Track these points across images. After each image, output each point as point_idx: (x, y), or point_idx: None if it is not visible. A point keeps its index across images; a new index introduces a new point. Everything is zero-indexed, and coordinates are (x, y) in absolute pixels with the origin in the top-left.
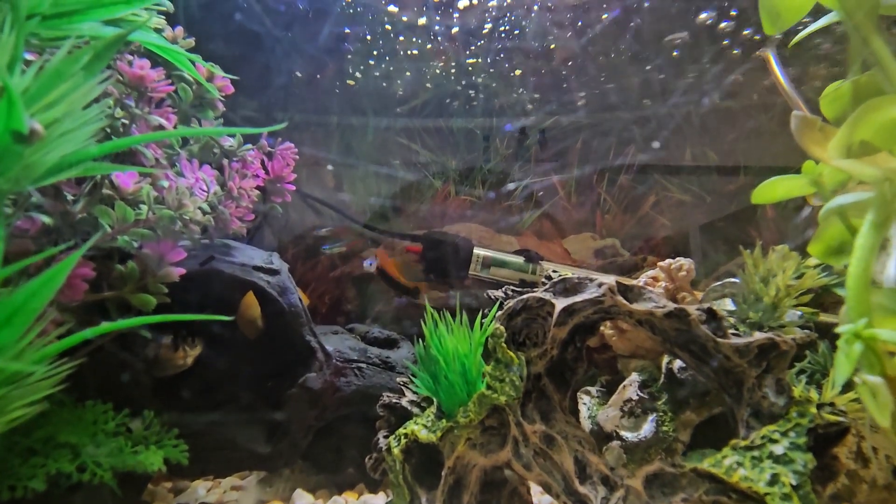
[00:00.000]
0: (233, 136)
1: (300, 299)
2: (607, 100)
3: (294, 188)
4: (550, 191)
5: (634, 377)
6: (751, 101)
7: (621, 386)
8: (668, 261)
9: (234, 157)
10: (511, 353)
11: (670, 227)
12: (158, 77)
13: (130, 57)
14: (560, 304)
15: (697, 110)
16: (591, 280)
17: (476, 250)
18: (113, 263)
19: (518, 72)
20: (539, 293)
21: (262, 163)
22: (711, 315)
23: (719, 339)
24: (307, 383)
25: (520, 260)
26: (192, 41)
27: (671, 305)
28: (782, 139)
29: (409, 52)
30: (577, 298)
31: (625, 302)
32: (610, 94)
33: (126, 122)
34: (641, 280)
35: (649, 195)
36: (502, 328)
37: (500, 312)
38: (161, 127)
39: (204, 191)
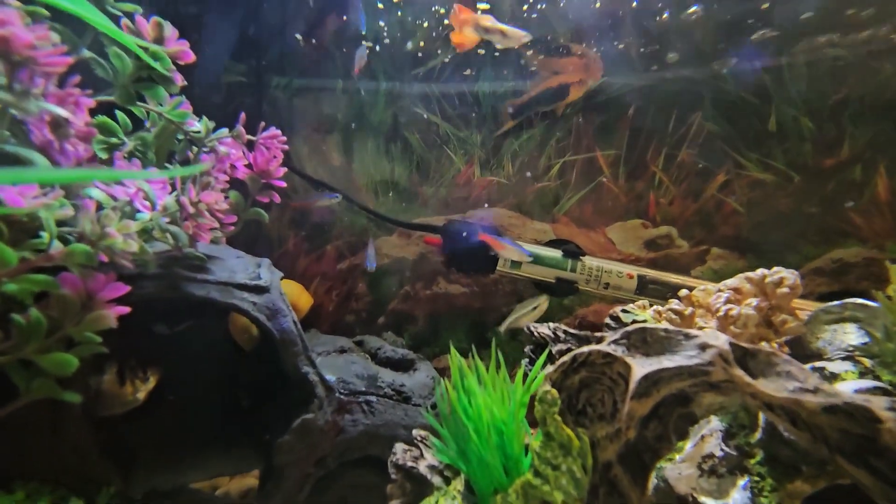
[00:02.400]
0: (199, 118)
1: (294, 322)
2: (667, 56)
3: (284, 184)
4: (593, 169)
5: (715, 424)
6: (870, 45)
7: (698, 435)
8: (760, 271)
9: (203, 147)
10: (569, 431)
11: (744, 212)
12: (42, 41)
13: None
14: (640, 368)
15: (789, 63)
16: (687, 335)
17: None
18: (11, 312)
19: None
20: (605, 346)
21: (243, 152)
22: None
23: None
24: (304, 427)
25: (557, 254)
26: None
27: (835, 394)
28: None
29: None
30: (667, 364)
31: (747, 379)
32: (671, 49)
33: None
34: (723, 298)
35: (717, 174)
36: (555, 392)
37: (550, 368)
38: (61, 121)
39: (148, 205)
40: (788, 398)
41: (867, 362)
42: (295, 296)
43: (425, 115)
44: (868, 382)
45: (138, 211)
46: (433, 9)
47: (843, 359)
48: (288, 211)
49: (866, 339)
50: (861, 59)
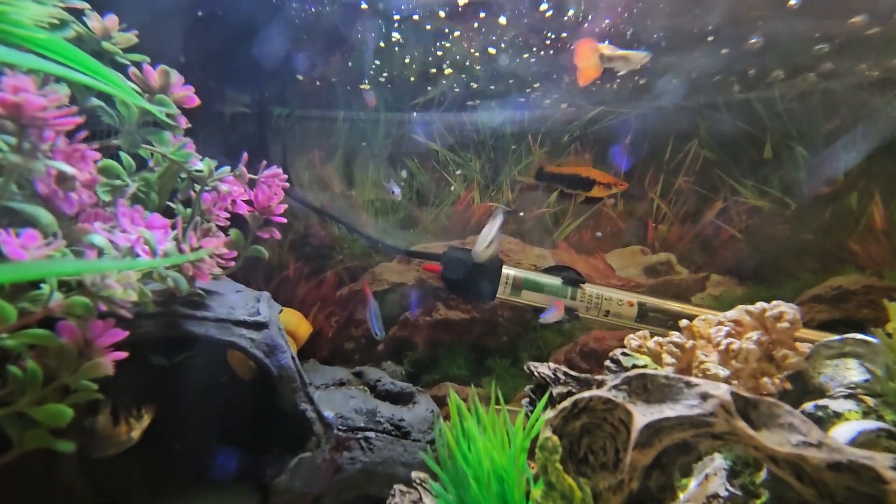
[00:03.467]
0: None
1: (293, 357)
2: (664, 85)
3: (284, 220)
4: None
5: (719, 462)
6: (860, 77)
7: (702, 474)
8: (760, 304)
9: (206, 185)
10: (570, 481)
11: (741, 239)
12: (53, 103)
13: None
14: (641, 416)
15: (783, 93)
16: (688, 383)
17: (505, 269)
18: (7, 364)
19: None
20: (606, 392)
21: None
22: None
23: None
24: (300, 466)
25: (557, 281)
26: (132, 35)
27: (839, 450)
28: None
29: (423, 31)
30: (668, 413)
31: (749, 432)
32: (668, 78)
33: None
34: (723, 332)
35: (714, 200)
36: (556, 439)
37: (551, 413)
38: (67, 176)
39: (148, 250)
40: (792, 453)
41: (870, 401)
42: (294, 324)
43: (425, 143)
44: (872, 424)
45: (138, 256)
46: (437, 44)
47: (846, 397)
48: (289, 236)
49: (868, 376)
50: (853, 92)
